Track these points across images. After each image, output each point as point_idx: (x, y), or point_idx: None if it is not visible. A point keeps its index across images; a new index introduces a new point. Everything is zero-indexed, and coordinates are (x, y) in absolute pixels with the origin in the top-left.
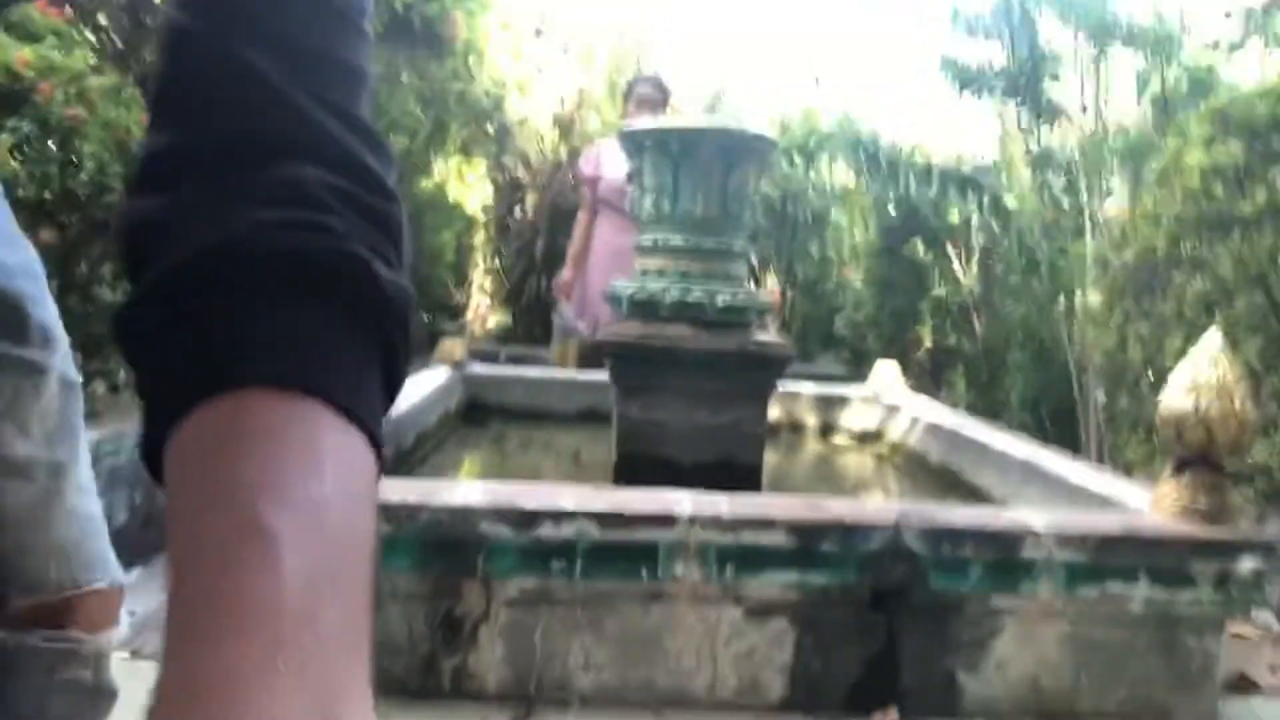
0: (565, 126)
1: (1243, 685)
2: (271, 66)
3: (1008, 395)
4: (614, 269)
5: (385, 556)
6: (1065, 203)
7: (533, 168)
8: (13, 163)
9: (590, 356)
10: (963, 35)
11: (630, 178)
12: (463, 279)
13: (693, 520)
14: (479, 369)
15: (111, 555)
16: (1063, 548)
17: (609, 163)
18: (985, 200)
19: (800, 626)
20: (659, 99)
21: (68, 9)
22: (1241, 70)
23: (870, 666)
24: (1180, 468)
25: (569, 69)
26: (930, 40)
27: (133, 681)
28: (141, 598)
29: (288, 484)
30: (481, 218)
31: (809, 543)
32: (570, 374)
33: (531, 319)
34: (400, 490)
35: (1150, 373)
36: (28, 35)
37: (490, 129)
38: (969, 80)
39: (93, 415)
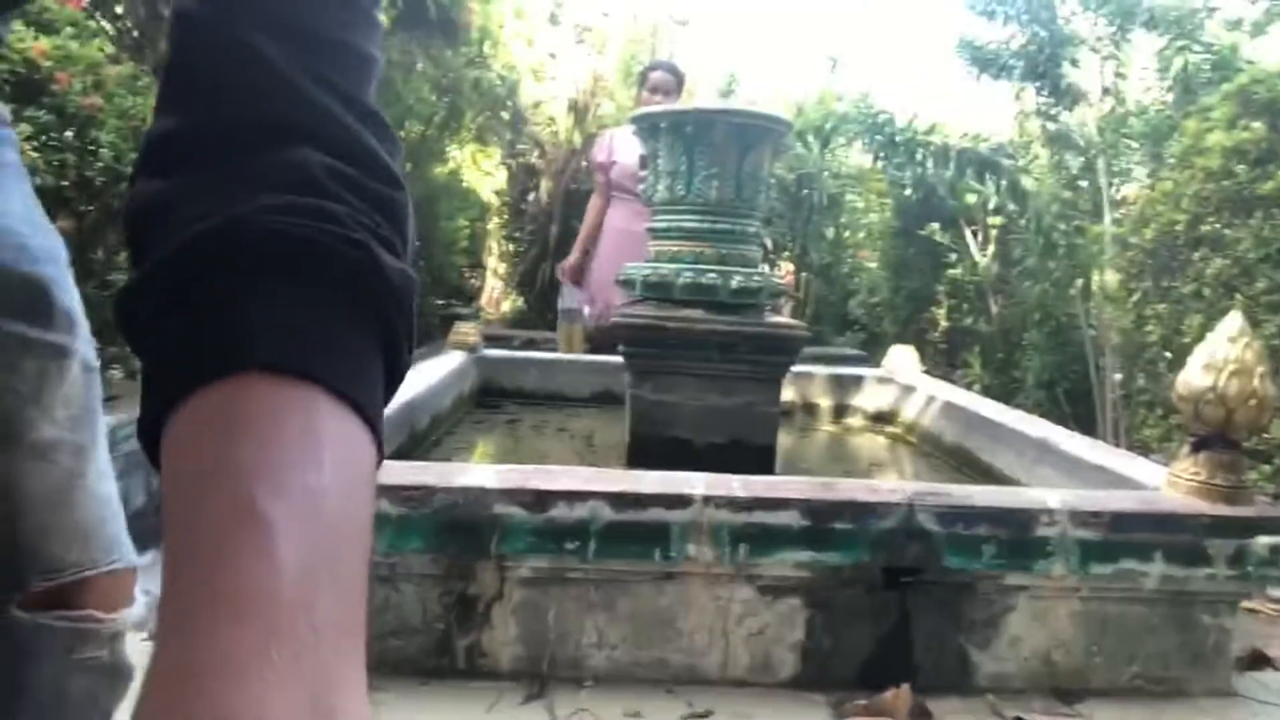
0: (579, 112)
1: (1257, 661)
2: (278, 52)
3: (1024, 376)
4: (624, 255)
5: (400, 538)
6: (1083, 183)
7: (547, 154)
8: (30, 152)
9: (593, 340)
10: (981, 17)
11: (644, 161)
12: (477, 264)
13: (706, 500)
14: (492, 353)
15: (126, 537)
16: (1077, 525)
17: (622, 149)
18: (1002, 181)
19: (813, 605)
20: (673, 84)
21: None
22: (1264, 50)
23: (883, 645)
24: (1198, 446)
25: (583, 55)
26: (947, 21)
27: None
28: (157, 579)
29: (285, 471)
30: (496, 203)
31: (822, 522)
32: (583, 357)
33: (545, 303)
34: (415, 472)
35: (1168, 352)
36: (45, 25)
37: (505, 115)
38: (987, 62)
39: (111, 400)
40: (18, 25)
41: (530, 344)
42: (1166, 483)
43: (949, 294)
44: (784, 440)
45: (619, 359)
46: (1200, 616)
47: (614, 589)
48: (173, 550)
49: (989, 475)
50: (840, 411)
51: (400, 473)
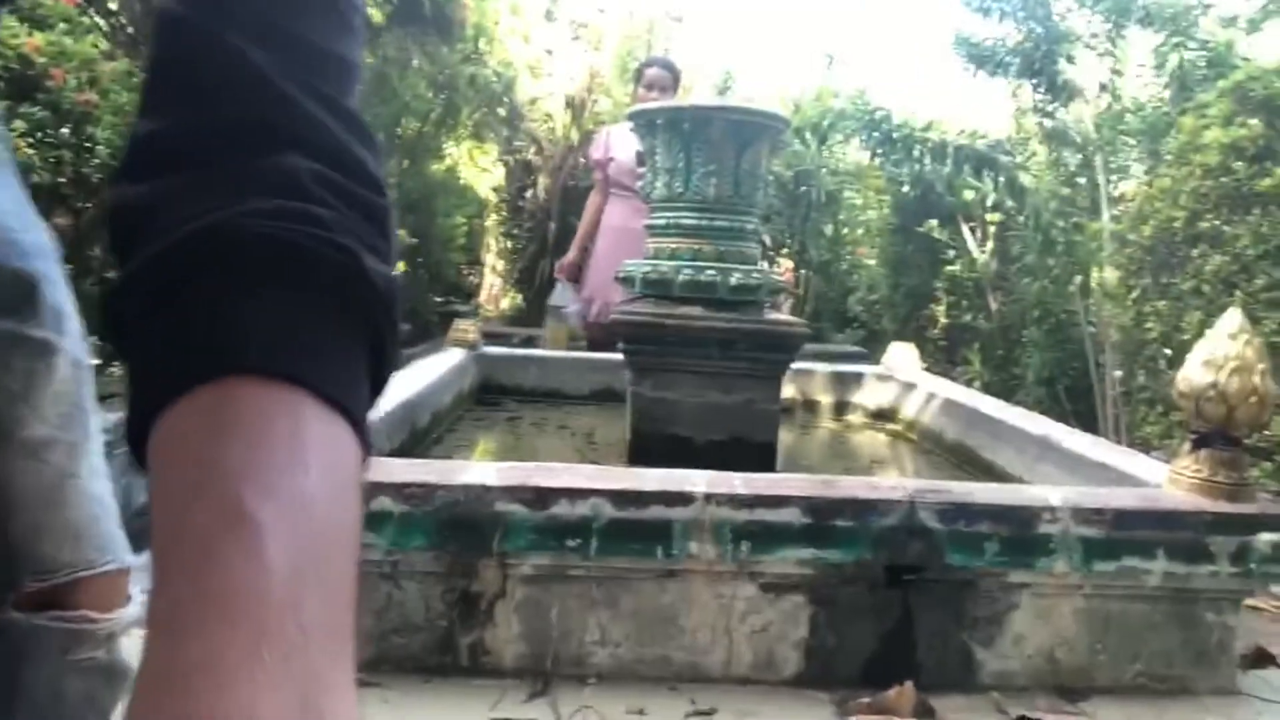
0: (576, 109)
1: (1261, 659)
2: (264, 56)
3: (1024, 372)
4: (623, 252)
5: (402, 535)
6: (1081, 180)
7: (544, 150)
8: (26, 148)
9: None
10: (977, 13)
11: (641, 158)
12: (475, 261)
13: (708, 498)
14: (492, 350)
15: (121, 536)
16: (1080, 523)
17: (619, 145)
18: (1000, 178)
19: (816, 603)
20: (669, 80)
21: None
22: (1259, 47)
23: (886, 642)
24: (1199, 443)
25: (579, 51)
26: (944, 18)
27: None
28: None
29: (273, 473)
30: (493, 200)
31: (823, 520)
32: (584, 354)
33: (544, 301)
34: (416, 470)
35: (1167, 349)
36: (39, 21)
37: (501, 112)
38: (983, 59)
39: (111, 398)
40: (12, 21)
41: (529, 341)
42: (1168, 480)
43: (948, 291)
44: (785, 437)
45: (619, 356)
46: (1203, 614)
47: (616, 586)
48: (161, 551)
49: (990, 472)
50: (841, 408)
51: (402, 470)
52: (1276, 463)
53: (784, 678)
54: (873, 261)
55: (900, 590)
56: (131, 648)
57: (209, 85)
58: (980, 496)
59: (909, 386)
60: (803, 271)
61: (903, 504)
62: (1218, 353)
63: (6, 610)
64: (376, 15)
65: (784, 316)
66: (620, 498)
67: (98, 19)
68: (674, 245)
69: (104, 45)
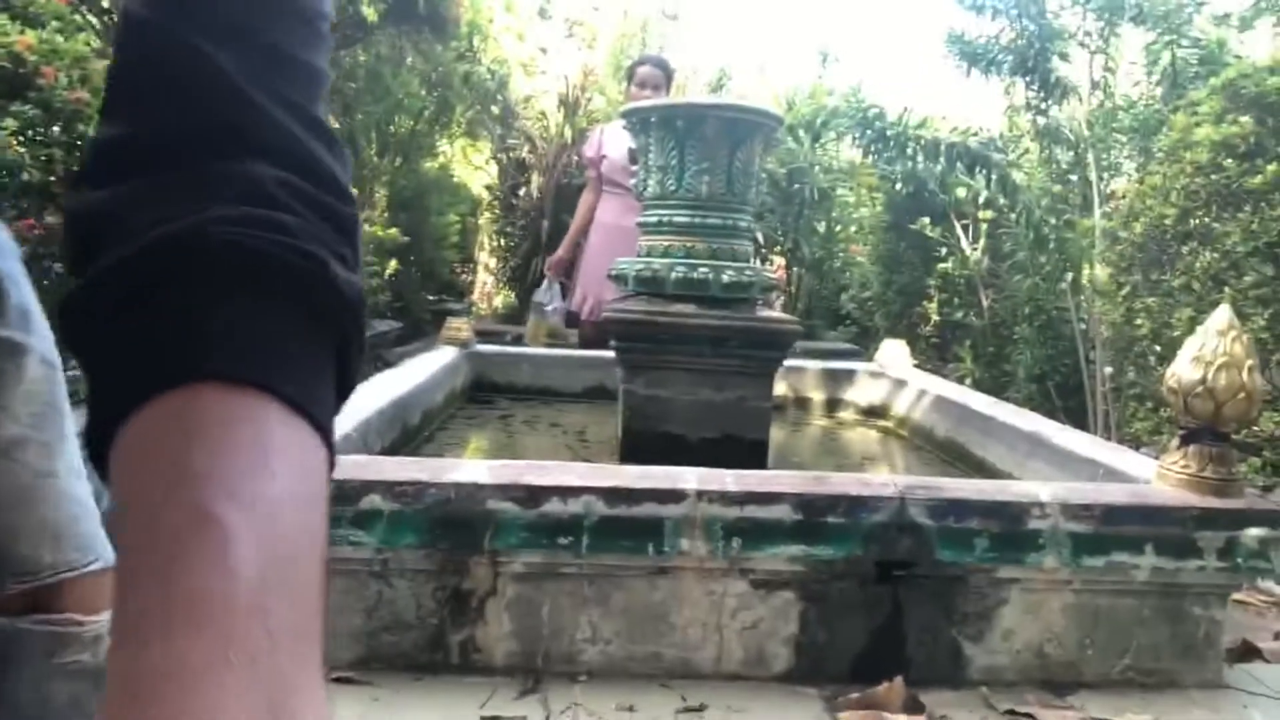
0: (570, 107)
1: (1247, 653)
2: (230, 62)
3: (1015, 369)
4: (615, 249)
5: (393, 533)
6: (1072, 177)
7: (537, 148)
8: (17, 147)
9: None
10: (969, 11)
11: (634, 156)
12: (468, 259)
13: (699, 495)
14: (485, 348)
15: (104, 536)
16: (1069, 519)
17: (612, 143)
18: (993, 176)
19: (806, 599)
20: (661, 78)
21: None
22: (1251, 45)
23: (876, 638)
24: (1187, 439)
25: (573, 49)
26: (937, 16)
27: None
28: None
29: (239, 479)
30: (486, 198)
31: (814, 516)
32: (576, 352)
33: None
34: (408, 468)
35: (1157, 346)
36: (30, 19)
37: (495, 110)
38: (976, 57)
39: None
40: (3, 19)
41: (522, 339)
42: (1157, 476)
43: (940, 288)
44: (776, 435)
45: (611, 354)
46: (1191, 609)
47: (607, 584)
48: (127, 556)
49: (981, 469)
50: (832, 406)
51: (393, 468)
52: (1264, 458)
53: (774, 674)
54: (865, 259)
55: (890, 586)
56: None
57: (174, 89)
58: (970, 493)
59: (900, 383)
60: (795, 269)
61: (893, 500)
62: (1207, 349)
63: None
64: (370, 13)
65: (776, 314)
66: (611, 495)
67: (90, 17)
68: (666, 243)
69: (96, 43)
